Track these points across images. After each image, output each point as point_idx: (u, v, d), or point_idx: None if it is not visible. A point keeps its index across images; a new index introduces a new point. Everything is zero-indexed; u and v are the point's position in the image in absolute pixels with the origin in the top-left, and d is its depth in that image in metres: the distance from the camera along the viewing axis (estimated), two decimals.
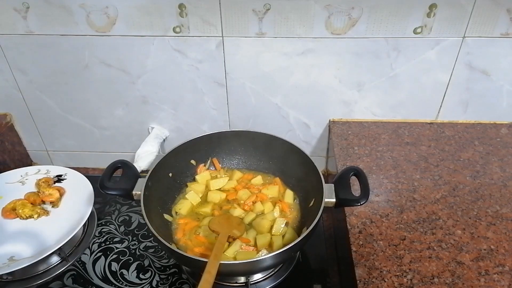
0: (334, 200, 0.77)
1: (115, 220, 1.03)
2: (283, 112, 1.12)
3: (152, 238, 0.97)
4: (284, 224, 0.86)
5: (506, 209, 0.82)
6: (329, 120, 1.13)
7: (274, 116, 1.13)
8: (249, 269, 0.77)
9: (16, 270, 0.81)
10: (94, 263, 0.92)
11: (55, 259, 0.92)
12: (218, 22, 0.95)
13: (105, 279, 0.88)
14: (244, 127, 1.14)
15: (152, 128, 1.18)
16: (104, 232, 1.00)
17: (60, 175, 1.07)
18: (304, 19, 0.93)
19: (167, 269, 0.90)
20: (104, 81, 1.09)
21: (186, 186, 0.98)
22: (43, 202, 1.00)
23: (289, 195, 0.94)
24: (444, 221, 0.80)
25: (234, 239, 0.82)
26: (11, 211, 0.97)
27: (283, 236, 0.84)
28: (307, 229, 0.73)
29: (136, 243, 0.96)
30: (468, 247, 0.74)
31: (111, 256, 0.93)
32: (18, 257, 0.85)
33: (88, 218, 0.93)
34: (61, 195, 1.01)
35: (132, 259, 0.92)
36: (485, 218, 0.80)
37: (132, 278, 0.88)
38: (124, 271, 0.90)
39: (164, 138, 1.19)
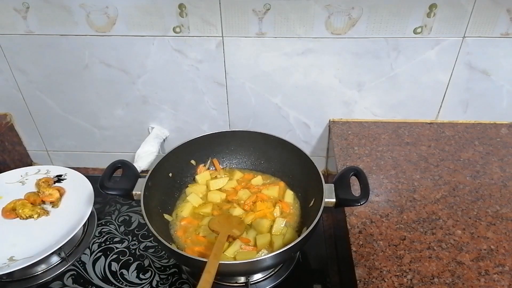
0: (334, 200, 0.77)
1: (115, 220, 1.03)
2: (283, 112, 1.12)
3: (152, 238, 0.97)
4: (284, 224, 0.86)
5: (506, 209, 0.82)
6: (329, 120, 1.13)
7: (274, 116, 1.13)
8: (249, 269, 0.77)
9: (16, 270, 0.81)
10: (94, 263, 0.92)
11: (55, 259, 0.92)
12: (218, 22, 0.95)
13: (105, 279, 0.88)
14: (244, 127, 1.14)
15: (152, 128, 1.18)
16: (104, 232, 1.00)
17: (60, 175, 1.07)
18: (304, 19, 0.93)
19: (167, 269, 0.90)
20: (104, 81, 1.09)
21: (187, 186, 0.98)
22: (43, 202, 1.00)
23: (289, 195, 0.94)
24: (444, 221, 0.80)
25: (234, 239, 0.82)
26: (11, 211, 0.96)
27: (283, 236, 0.84)
28: (307, 229, 0.73)
29: (136, 243, 0.96)
30: (468, 247, 0.74)
31: (111, 256, 0.93)
32: (18, 257, 0.85)
33: (88, 218, 0.93)
34: (61, 195, 1.01)
35: (132, 259, 0.92)
36: (485, 218, 0.80)
37: (132, 278, 0.88)
38: (124, 271, 0.90)
39: (164, 138, 1.19)
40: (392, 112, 1.10)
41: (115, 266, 0.91)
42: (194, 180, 1.00)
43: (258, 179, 0.99)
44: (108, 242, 0.97)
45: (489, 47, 0.96)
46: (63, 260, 0.92)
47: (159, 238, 0.71)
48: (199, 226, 0.88)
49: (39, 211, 0.96)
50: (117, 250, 0.95)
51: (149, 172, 0.84)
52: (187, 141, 0.94)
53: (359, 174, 0.78)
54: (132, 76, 1.07)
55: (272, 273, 0.88)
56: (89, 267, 0.91)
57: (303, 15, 0.93)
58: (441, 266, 0.70)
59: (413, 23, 0.93)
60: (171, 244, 0.74)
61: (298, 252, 0.92)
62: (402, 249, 0.74)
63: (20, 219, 0.95)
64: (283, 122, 1.14)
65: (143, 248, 0.95)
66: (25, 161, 1.29)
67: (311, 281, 0.88)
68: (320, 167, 1.01)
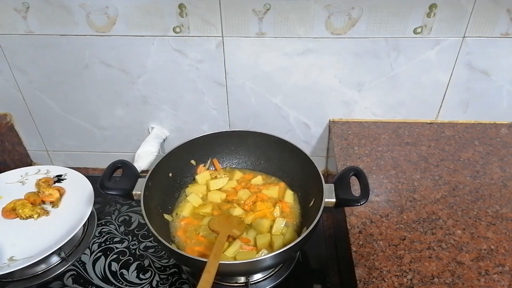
0: (334, 200, 0.77)
1: (115, 220, 1.03)
2: (283, 112, 1.12)
3: (152, 238, 0.97)
4: (284, 224, 0.86)
5: (506, 209, 0.82)
6: (329, 120, 1.13)
7: (274, 116, 1.13)
8: (249, 269, 0.77)
9: (16, 270, 0.81)
10: (94, 263, 0.92)
11: (55, 259, 0.92)
12: (218, 22, 0.95)
13: (105, 279, 0.88)
14: (244, 127, 1.14)
15: (152, 128, 1.18)
16: (104, 232, 1.00)
17: (60, 175, 1.07)
18: (304, 19, 0.93)
19: (167, 269, 0.90)
20: (104, 81, 1.09)
21: (187, 186, 0.98)
22: (43, 202, 1.00)
23: (289, 195, 0.94)
24: (444, 221, 0.80)
25: (234, 239, 0.82)
26: (11, 211, 0.96)
27: (283, 236, 0.84)
28: (307, 229, 0.73)
29: (136, 243, 0.96)
30: (468, 247, 0.74)
31: (111, 256, 0.93)
32: (18, 257, 0.85)
33: (88, 218, 0.93)
34: (61, 195, 1.01)
35: (132, 259, 0.92)
36: (485, 218, 0.80)
37: (132, 278, 0.88)
38: (124, 271, 0.90)
39: (164, 138, 1.19)
40: (392, 112, 1.10)
41: (115, 266, 0.91)
42: (194, 180, 1.00)
43: (258, 179, 0.99)
44: (108, 242, 0.97)
45: (489, 47, 0.96)
46: (63, 260, 0.92)
47: (159, 238, 0.71)
48: (199, 226, 0.88)
49: (39, 211, 0.96)
50: (117, 250, 0.95)
51: (149, 172, 0.84)
52: (187, 141, 0.94)
53: (359, 174, 0.78)
54: (132, 76, 1.07)
55: (272, 273, 0.88)
56: (89, 267, 0.91)
57: (303, 15, 0.93)
58: (441, 266, 0.70)
59: (413, 23, 0.93)
60: (171, 244, 0.74)
61: (298, 252, 0.92)
62: (402, 249, 0.74)
63: (20, 219, 0.95)
64: (283, 122, 1.14)
65: (143, 248, 0.95)
66: (25, 161, 1.29)
67: (311, 281, 0.88)
68: (320, 167, 1.01)
